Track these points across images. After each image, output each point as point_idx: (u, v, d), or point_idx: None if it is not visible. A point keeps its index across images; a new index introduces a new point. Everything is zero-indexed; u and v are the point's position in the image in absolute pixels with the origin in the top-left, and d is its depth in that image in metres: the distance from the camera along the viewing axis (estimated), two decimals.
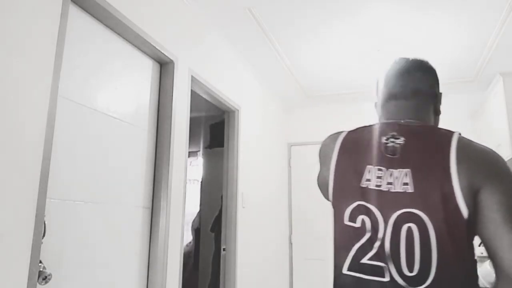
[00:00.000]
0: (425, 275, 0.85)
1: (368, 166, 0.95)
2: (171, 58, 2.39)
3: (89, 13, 1.86)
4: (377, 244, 0.91)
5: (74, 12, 1.76)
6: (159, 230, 2.21)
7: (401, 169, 0.91)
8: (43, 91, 1.49)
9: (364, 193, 0.94)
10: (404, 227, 0.88)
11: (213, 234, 4.23)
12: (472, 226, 0.86)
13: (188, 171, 2.63)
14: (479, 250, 3.76)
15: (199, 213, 4.57)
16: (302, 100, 4.73)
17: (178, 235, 2.39)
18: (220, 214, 3.44)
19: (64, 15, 1.61)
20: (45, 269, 1.50)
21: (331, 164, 1.01)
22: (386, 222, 0.90)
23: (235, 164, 3.30)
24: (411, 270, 0.87)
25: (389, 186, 0.92)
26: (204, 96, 3.00)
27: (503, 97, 3.22)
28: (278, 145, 4.55)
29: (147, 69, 2.31)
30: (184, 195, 2.49)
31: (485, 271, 3.08)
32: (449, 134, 0.93)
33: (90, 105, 1.85)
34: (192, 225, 4.62)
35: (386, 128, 0.99)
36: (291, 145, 4.85)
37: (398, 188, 0.91)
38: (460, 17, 2.84)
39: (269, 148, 4.23)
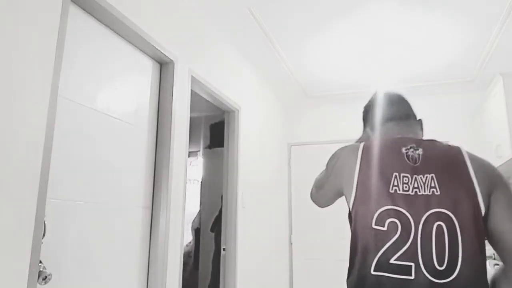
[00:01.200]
0: (452, 268, 0.97)
1: (395, 173, 1.07)
2: (171, 58, 2.39)
3: (89, 13, 1.86)
4: (407, 244, 1.01)
5: (74, 12, 1.76)
6: (159, 230, 2.21)
7: (426, 175, 1.06)
8: (43, 91, 1.49)
9: (393, 198, 1.05)
10: (435, 225, 1.00)
11: (213, 234, 4.23)
12: (485, 222, 1.03)
13: (188, 171, 2.63)
14: None
15: (199, 213, 4.57)
16: (302, 100, 4.73)
17: (178, 235, 2.39)
18: (220, 214, 3.44)
19: (64, 15, 1.61)
20: (45, 269, 1.50)
21: (354, 174, 1.11)
22: (416, 222, 1.02)
23: (235, 164, 3.30)
24: (441, 265, 0.98)
25: (416, 190, 1.05)
26: (204, 96, 3.00)
27: (503, 97, 3.21)
28: (278, 145, 4.55)
29: (147, 69, 2.31)
30: (184, 195, 2.49)
31: None
32: (456, 147, 1.13)
33: (90, 105, 1.85)
34: (192, 225, 4.62)
35: (403, 141, 1.14)
36: (291, 145, 4.85)
37: (426, 191, 1.04)
38: (460, 17, 2.85)
39: (269, 148, 4.23)
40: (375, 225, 1.04)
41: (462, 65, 3.70)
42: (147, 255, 2.19)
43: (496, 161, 3.47)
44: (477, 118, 4.15)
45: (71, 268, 1.67)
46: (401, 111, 1.26)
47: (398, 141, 1.14)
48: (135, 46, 2.20)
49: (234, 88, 3.34)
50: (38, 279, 1.44)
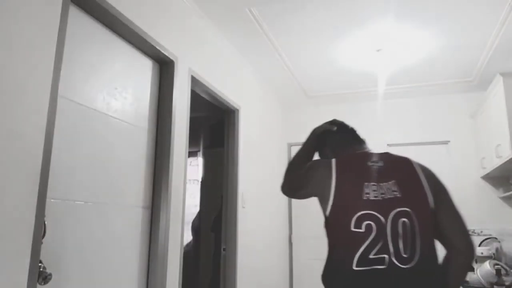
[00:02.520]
0: (415, 254, 1.20)
1: (365, 183, 1.29)
2: (171, 58, 2.39)
3: (89, 13, 1.86)
4: (381, 240, 1.20)
5: (74, 12, 1.76)
6: (159, 230, 2.21)
7: (388, 182, 1.29)
8: (43, 91, 1.49)
9: (367, 204, 1.25)
10: (400, 222, 1.23)
11: (213, 234, 4.23)
12: (434, 217, 1.28)
13: (188, 171, 2.63)
14: (479, 250, 3.73)
15: (199, 213, 4.57)
16: (302, 100, 4.73)
17: (178, 235, 2.39)
18: (220, 214, 3.43)
19: (64, 15, 1.61)
20: (45, 269, 1.50)
21: (331, 185, 1.30)
22: (386, 221, 1.23)
23: (235, 164, 3.30)
24: (405, 253, 1.20)
25: (383, 195, 1.27)
26: (204, 96, 3.01)
27: (503, 97, 3.21)
28: (278, 145, 4.55)
29: (147, 69, 2.31)
30: (184, 195, 2.49)
31: (485, 271, 3.08)
32: (406, 158, 1.39)
33: (90, 105, 1.85)
34: (192, 225, 4.61)
35: (367, 156, 1.39)
36: (291, 145, 4.85)
37: (390, 195, 1.27)
38: (460, 17, 2.85)
39: (269, 148, 4.23)
40: (354, 228, 1.23)
41: (462, 65, 3.70)
42: (147, 255, 2.19)
43: (496, 161, 3.47)
44: (477, 118, 4.15)
45: (71, 268, 1.67)
46: (355, 134, 1.55)
47: (363, 156, 1.40)
48: (135, 46, 2.20)
49: (234, 88, 3.34)
50: (38, 279, 1.44)
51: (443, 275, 1.25)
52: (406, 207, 1.24)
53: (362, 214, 1.24)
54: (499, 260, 3.57)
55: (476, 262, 3.65)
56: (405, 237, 1.21)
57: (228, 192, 3.29)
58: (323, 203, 1.33)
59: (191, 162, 4.78)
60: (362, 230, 1.22)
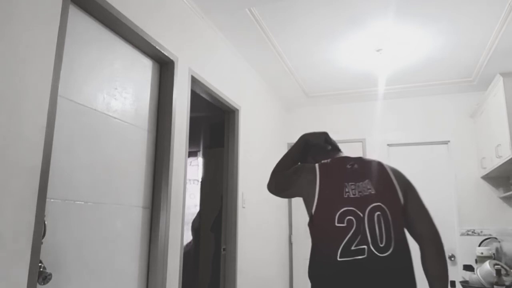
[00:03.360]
0: (389, 243, 1.37)
1: (345, 183, 1.48)
2: (171, 58, 2.39)
3: (89, 13, 1.86)
4: (361, 233, 1.37)
5: (74, 12, 1.77)
6: (159, 230, 2.21)
7: (364, 181, 1.48)
8: (43, 91, 1.50)
9: (347, 201, 1.43)
10: (375, 215, 1.40)
11: (213, 234, 4.23)
12: (404, 210, 1.46)
13: (188, 171, 2.63)
14: (479, 250, 3.72)
15: (199, 213, 4.57)
16: (302, 100, 4.73)
17: (178, 235, 2.39)
18: (220, 214, 3.43)
19: (64, 15, 1.61)
20: (45, 269, 1.51)
21: (316, 186, 1.48)
22: (364, 216, 1.40)
23: (235, 164, 3.30)
24: (381, 243, 1.36)
25: (360, 193, 1.45)
26: (204, 96, 3.01)
27: (503, 97, 3.21)
28: (278, 145, 4.55)
29: (147, 69, 2.31)
30: (184, 195, 2.49)
31: (485, 271, 3.08)
32: (378, 161, 1.58)
33: (90, 105, 1.85)
34: (192, 225, 4.61)
35: (345, 160, 1.57)
36: (291, 145, 4.85)
37: (366, 192, 1.45)
38: (460, 17, 2.85)
39: (269, 148, 4.23)
40: (337, 223, 1.40)
41: (462, 65, 3.70)
42: (147, 255, 2.19)
43: (496, 161, 3.47)
44: (477, 118, 4.15)
45: (71, 268, 1.67)
46: (333, 142, 1.76)
47: (341, 160, 1.57)
48: (135, 46, 2.20)
49: (234, 88, 3.34)
50: (38, 279, 1.44)
51: (428, 274, 1.43)
52: (380, 202, 1.43)
53: (344, 210, 1.41)
54: (499, 260, 3.57)
55: (476, 262, 3.66)
56: (380, 229, 1.38)
57: (228, 192, 3.29)
58: (309, 202, 1.49)
59: (191, 162, 4.78)
60: (344, 224, 1.39)
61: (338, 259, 1.35)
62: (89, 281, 1.77)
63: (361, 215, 1.40)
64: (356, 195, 1.44)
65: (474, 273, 3.22)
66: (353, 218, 1.39)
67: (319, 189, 1.46)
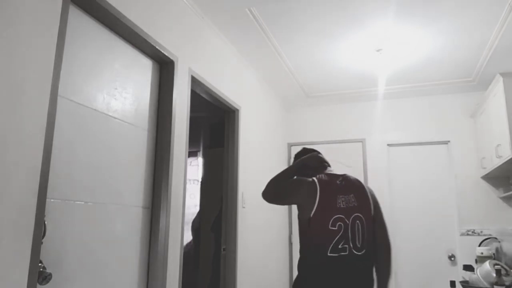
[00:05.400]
0: (363, 245, 1.80)
1: (337, 195, 1.85)
2: (171, 58, 2.39)
3: (89, 13, 1.86)
4: (346, 235, 1.78)
5: (74, 12, 1.77)
6: (159, 230, 2.21)
7: (350, 195, 1.87)
8: (43, 91, 1.50)
9: (339, 210, 1.82)
10: (356, 223, 1.81)
11: (213, 234, 4.23)
12: (373, 221, 1.90)
13: (188, 171, 2.63)
14: (479, 250, 3.73)
15: (199, 213, 4.57)
16: (302, 100, 4.73)
17: (178, 235, 2.39)
18: (220, 214, 3.43)
19: (64, 15, 1.61)
20: (45, 269, 1.51)
21: (316, 196, 1.82)
22: (349, 222, 1.80)
23: (235, 164, 3.30)
24: (359, 244, 1.79)
25: (346, 204, 1.83)
26: (204, 96, 3.01)
27: (503, 97, 3.21)
28: (278, 145, 4.55)
29: (147, 69, 2.31)
30: (184, 195, 2.49)
31: (485, 271, 3.08)
32: (358, 179, 1.98)
33: (90, 105, 1.85)
34: (192, 225, 4.61)
35: (336, 176, 1.94)
36: (291, 145, 4.85)
37: (351, 204, 1.84)
38: (460, 17, 2.85)
39: (269, 148, 4.23)
40: (330, 227, 1.78)
41: (462, 65, 3.70)
42: (147, 255, 2.19)
43: (496, 161, 3.47)
44: (477, 118, 4.15)
45: (71, 268, 1.67)
46: (325, 160, 2.10)
47: (333, 176, 1.93)
48: (135, 46, 2.20)
49: (234, 88, 3.34)
50: (38, 279, 1.44)
51: (378, 263, 1.87)
52: (359, 213, 1.83)
53: (336, 217, 1.79)
54: (499, 260, 3.57)
55: (476, 262, 3.66)
56: (358, 233, 1.80)
57: (228, 192, 3.29)
58: (306, 208, 1.82)
59: (191, 162, 4.78)
60: (336, 228, 1.78)
61: (328, 254, 1.75)
62: (89, 281, 1.77)
63: (347, 221, 1.79)
64: (344, 206, 1.82)
65: (474, 273, 3.22)
66: (342, 224, 1.78)
67: (319, 199, 1.81)
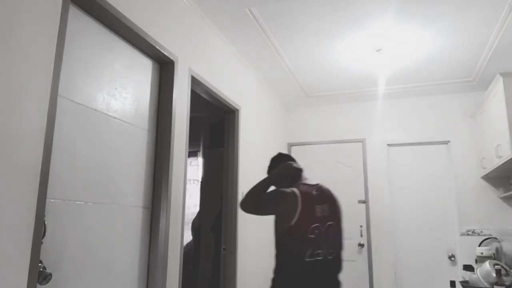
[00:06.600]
0: (333, 251, 1.98)
1: (315, 205, 1.98)
2: (171, 58, 2.39)
3: (89, 13, 1.86)
4: (320, 242, 1.93)
5: (74, 12, 1.77)
6: (159, 230, 2.21)
7: (324, 204, 2.02)
8: (43, 91, 1.50)
9: (316, 219, 1.95)
10: (329, 230, 1.98)
11: (213, 234, 4.22)
12: None
13: (188, 171, 2.63)
14: (479, 250, 3.73)
15: (199, 213, 4.57)
16: (302, 100, 4.73)
17: (178, 235, 2.39)
18: (220, 214, 3.43)
19: (64, 15, 1.61)
20: (45, 269, 1.51)
21: (298, 206, 1.92)
22: (323, 229, 1.96)
23: (235, 164, 3.30)
24: (330, 249, 1.96)
25: (322, 213, 1.98)
26: (204, 96, 3.01)
27: (503, 97, 3.21)
28: (278, 145, 4.55)
29: (147, 69, 2.31)
30: (184, 195, 2.49)
31: (485, 271, 3.08)
32: (328, 189, 2.12)
33: (90, 105, 1.85)
34: (192, 225, 4.61)
35: (311, 187, 2.05)
36: (291, 145, 4.85)
37: (325, 213, 2.00)
38: (460, 17, 2.85)
39: (269, 148, 4.23)
40: (310, 235, 1.91)
41: (462, 65, 3.70)
42: (147, 255, 2.19)
43: (496, 161, 3.47)
44: (477, 118, 4.15)
45: (71, 268, 1.67)
46: (299, 167, 2.19)
47: (309, 187, 2.05)
48: (135, 46, 2.20)
49: (234, 88, 3.34)
50: (38, 279, 1.44)
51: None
52: (331, 221, 2.00)
53: (314, 226, 1.93)
54: (499, 260, 3.57)
55: (476, 262, 3.66)
56: (330, 240, 1.97)
57: (228, 192, 3.29)
58: (287, 218, 1.92)
59: (191, 162, 4.79)
60: (314, 236, 1.92)
61: (306, 259, 1.89)
62: (89, 281, 1.77)
63: (322, 229, 1.95)
64: (320, 215, 1.97)
65: (474, 273, 3.22)
66: (318, 232, 1.93)
67: (301, 209, 1.92)
